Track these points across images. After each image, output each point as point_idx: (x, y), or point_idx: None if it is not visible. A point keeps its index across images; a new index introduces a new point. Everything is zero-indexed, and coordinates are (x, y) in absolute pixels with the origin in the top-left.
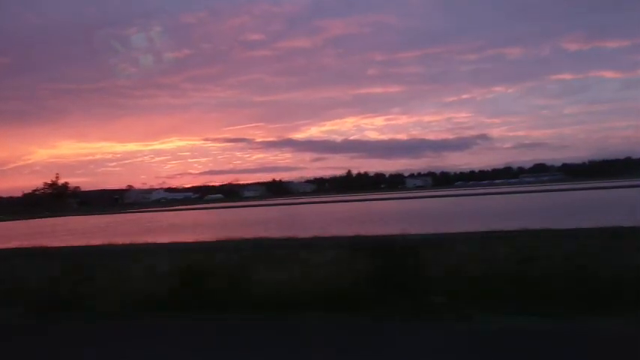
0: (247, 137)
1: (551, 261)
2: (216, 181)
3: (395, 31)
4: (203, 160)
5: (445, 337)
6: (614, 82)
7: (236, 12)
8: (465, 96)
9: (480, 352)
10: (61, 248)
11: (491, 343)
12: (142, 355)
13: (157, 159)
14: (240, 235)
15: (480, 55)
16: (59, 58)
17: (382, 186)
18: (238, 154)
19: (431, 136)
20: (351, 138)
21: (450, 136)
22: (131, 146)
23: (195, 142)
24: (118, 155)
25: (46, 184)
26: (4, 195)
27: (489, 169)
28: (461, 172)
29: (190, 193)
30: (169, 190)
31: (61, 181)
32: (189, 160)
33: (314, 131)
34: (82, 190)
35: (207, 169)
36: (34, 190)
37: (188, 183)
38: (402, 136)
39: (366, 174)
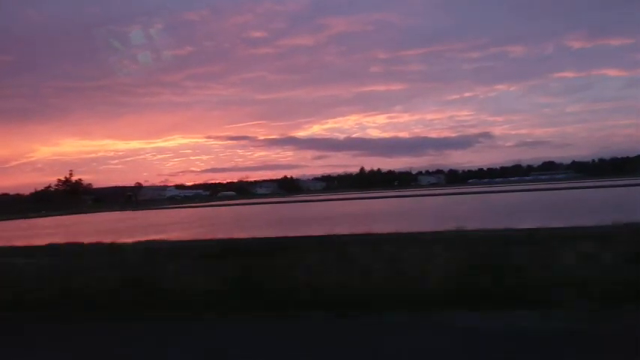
0: (250, 135)
1: None
2: (219, 178)
3: (397, 29)
4: (205, 157)
5: None
6: (618, 80)
7: (239, 10)
8: (467, 94)
9: None
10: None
11: None
12: None
13: (160, 156)
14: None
15: (483, 53)
16: (62, 56)
17: (395, 183)
18: (240, 151)
19: (433, 134)
20: (354, 136)
21: (452, 134)
22: (134, 144)
23: (198, 139)
24: (121, 153)
25: (59, 180)
26: (11, 192)
27: (497, 166)
28: (469, 170)
29: (200, 190)
30: (178, 187)
31: (74, 178)
32: (192, 158)
33: (316, 129)
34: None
35: (209, 167)
36: (47, 187)
37: (190, 180)
38: (404, 134)
39: (379, 170)
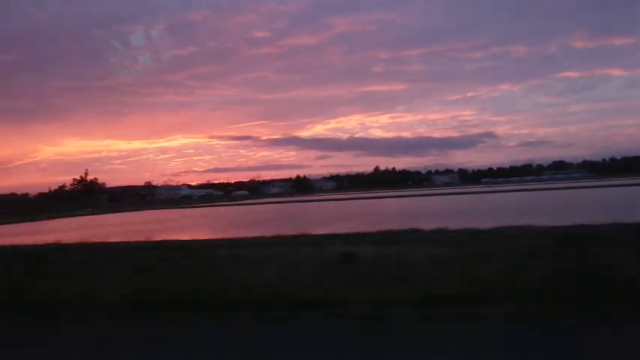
0: (252, 135)
1: None
2: (221, 178)
3: (399, 29)
4: (208, 157)
5: None
6: (620, 80)
7: (242, 10)
8: (470, 94)
9: None
10: None
11: None
12: None
13: (162, 156)
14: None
15: (485, 53)
16: (65, 56)
17: (409, 182)
18: (243, 151)
19: (436, 134)
20: (357, 136)
21: (455, 134)
22: (136, 144)
23: (201, 139)
24: (124, 153)
25: (74, 180)
26: (16, 192)
27: (504, 166)
28: (479, 170)
29: (211, 190)
30: (189, 186)
31: (90, 177)
32: (194, 158)
33: (319, 129)
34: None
35: (212, 167)
36: (61, 187)
37: (193, 180)
38: (407, 134)
39: (394, 169)
